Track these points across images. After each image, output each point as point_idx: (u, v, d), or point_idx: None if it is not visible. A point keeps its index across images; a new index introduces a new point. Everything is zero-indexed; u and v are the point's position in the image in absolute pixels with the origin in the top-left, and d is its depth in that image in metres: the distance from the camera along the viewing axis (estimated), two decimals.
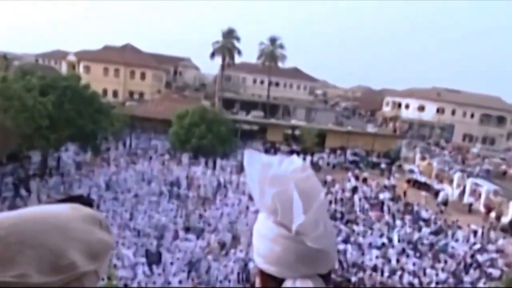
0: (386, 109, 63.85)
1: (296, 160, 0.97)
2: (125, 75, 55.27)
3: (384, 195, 26.84)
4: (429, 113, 56.54)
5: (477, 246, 20.57)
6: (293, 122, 45.06)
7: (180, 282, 14.98)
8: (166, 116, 33.40)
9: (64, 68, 54.69)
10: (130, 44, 61.89)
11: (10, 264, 0.55)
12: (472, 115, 57.25)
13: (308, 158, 34.56)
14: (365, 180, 30.22)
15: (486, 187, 29.00)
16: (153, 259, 16.29)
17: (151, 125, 36.56)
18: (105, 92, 48.43)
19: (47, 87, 22.71)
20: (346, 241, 19.55)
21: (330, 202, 25.26)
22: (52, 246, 0.60)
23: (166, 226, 19.35)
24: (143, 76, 56.19)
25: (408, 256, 18.70)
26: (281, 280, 0.92)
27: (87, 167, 26.91)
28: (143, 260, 16.00)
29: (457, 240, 21.14)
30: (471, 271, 18.06)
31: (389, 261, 18.04)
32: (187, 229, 19.42)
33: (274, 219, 0.92)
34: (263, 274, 0.95)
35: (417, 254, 19.02)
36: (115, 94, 53.13)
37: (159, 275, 15.14)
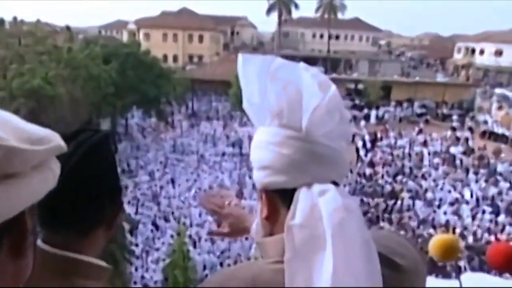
0: (458, 57, 59.22)
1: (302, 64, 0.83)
2: (184, 39, 55.77)
3: (457, 149, 25.27)
4: (508, 58, 51.57)
5: None
6: (356, 75, 43.29)
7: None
8: (225, 78, 33.40)
9: (125, 37, 56.25)
10: (186, 8, 61.95)
11: None
12: None
13: (373, 112, 33.28)
14: (434, 133, 28.58)
15: None
16: None
17: (212, 87, 36.86)
18: (165, 57, 49.25)
19: (110, 55, 23.41)
20: (414, 197, 18.84)
21: (398, 157, 24.36)
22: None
23: (230, 186, 19.73)
24: (201, 39, 56.35)
25: (484, 212, 17.58)
26: (291, 195, 0.75)
27: (152, 132, 27.92)
28: (211, 218, 16.53)
29: None
30: None
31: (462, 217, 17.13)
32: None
33: (279, 122, 0.77)
34: (268, 194, 0.81)
35: (494, 210, 17.82)
36: (175, 59, 53.99)
37: None
